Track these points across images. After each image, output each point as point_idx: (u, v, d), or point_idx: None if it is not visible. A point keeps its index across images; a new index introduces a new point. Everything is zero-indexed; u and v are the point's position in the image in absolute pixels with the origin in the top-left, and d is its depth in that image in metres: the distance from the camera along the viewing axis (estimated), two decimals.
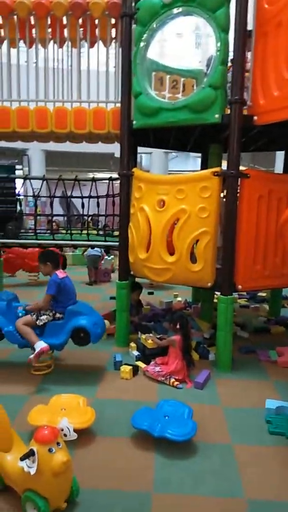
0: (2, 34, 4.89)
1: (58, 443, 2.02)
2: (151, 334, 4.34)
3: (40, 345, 3.54)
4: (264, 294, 7.23)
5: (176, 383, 3.62)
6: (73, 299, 3.83)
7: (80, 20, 4.62)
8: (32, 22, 4.62)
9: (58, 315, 3.73)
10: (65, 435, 2.14)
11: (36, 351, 3.52)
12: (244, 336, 5.02)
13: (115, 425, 2.96)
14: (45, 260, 3.86)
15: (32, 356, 3.53)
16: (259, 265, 4.02)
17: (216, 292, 4.28)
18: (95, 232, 6.37)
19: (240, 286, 3.95)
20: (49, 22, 4.63)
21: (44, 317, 3.68)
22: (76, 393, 3.13)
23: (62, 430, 2.14)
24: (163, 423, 2.73)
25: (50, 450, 1.97)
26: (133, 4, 4.13)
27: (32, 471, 1.93)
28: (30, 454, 1.97)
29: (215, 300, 5.19)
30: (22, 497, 2.06)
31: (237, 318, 5.54)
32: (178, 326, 3.82)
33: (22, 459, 1.99)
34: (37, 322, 3.65)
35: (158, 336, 4.23)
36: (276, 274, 4.18)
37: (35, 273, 8.36)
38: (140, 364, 3.97)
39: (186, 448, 2.67)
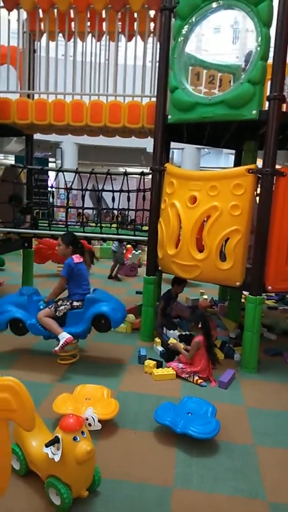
0: (42, 27, 4.95)
1: (82, 432, 2.05)
2: (177, 334, 4.32)
3: (65, 336, 3.59)
4: None
5: (200, 381, 3.60)
6: (85, 285, 3.84)
7: (119, 14, 4.62)
8: (72, 15, 4.65)
9: (75, 303, 3.76)
10: (89, 424, 2.17)
11: (60, 342, 3.58)
12: (271, 338, 4.94)
13: (137, 418, 2.98)
14: (68, 242, 3.86)
15: (57, 348, 3.59)
16: None
17: (244, 292, 4.22)
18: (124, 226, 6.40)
19: (270, 287, 3.88)
20: (88, 15, 4.66)
21: (62, 307, 3.71)
22: (100, 384, 3.17)
23: (87, 419, 2.17)
24: (186, 419, 2.72)
25: (74, 439, 2.00)
26: None
27: (57, 458, 1.96)
28: (55, 441, 2.00)
29: (242, 300, 5.13)
30: (45, 483, 2.10)
31: (265, 320, 5.45)
32: (199, 326, 3.79)
33: (47, 445, 2.02)
34: (57, 314, 3.68)
35: (184, 347, 4.11)
36: None
37: (62, 265, 8.48)
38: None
39: (208, 446, 2.66)
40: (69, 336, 3.59)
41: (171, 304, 4.95)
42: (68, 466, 1.99)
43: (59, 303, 3.76)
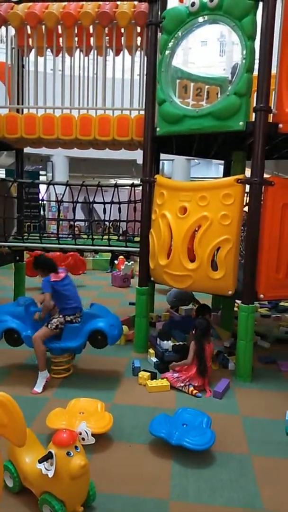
0: (30, 43, 5.01)
1: (76, 447, 2.03)
2: (170, 345, 4.31)
3: (45, 375, 3.63)
4: (286, 304, 7.11)
5: (195, 391, 3.59)
6: (73, 302, 3.76)
7: (106, 29, 4.69)
8: (60, 31, 4.71)
9: (68, 317, 3.71)
10: (83, 439, 2.15)
11: (39, 380, 3.59)
12: (265, 346, 4.94)
13: (132, 431, 2.95)
14: (36, 267, 3.90)
15: (37, 389, 3.56)
16: (282, 274, 3.96)
17: (237, 301, 4.23)
18: (115, 237, 6.41)
19: (262, 295, 3.90)
20: (76, 31, 4.72)
21: (54, 320, 3.67)
22: (94, 398, 3.14)
23: (81, 434, 2.16)
24: (181, 431, 2.70)
25: (68, 454, 1.99)
26: (159, 12, 4.17)
27: (50, 474, 1.94)
28: (48, 457, 1.98)
29: (236, 309, 5.14)
30: (39, 500, 2.07)
31: (258, 328, 5.46)
32: (193, 332, 3.80)
33: (40, 461, 2.00)
34: (49, 326, 3.64)
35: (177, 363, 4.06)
36: None
37: None
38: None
39: (204, 457, 2.64)
40: (48, 375, 3.65)
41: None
42: (62, 482, 1.97)
43: (52, 317, 3.74)
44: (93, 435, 2.22)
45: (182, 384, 3.65)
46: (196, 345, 3.72)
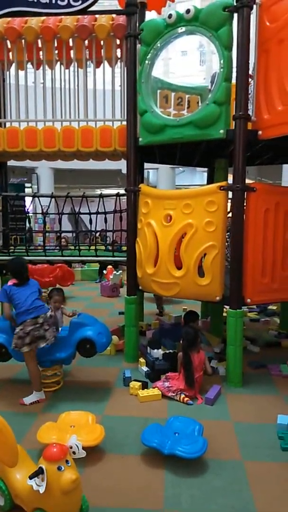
0: (11, 57, 5.03)
1: (67, 461, 2.01)
2: (161, 353, 4.30)
3: (40, 396, 3.59)
4: (274, 308, 7.17)
5: (186, 399, 3.58)
6: (23, 306, 3.50)
7: (86, 42, 4.74)
8: (40, 45, 4.75)
9: (28, 325, 3.47)
10: (74, 452, 2.13)
11: (31, 398, 3.56)
12: (255, 350, 4.97)
13: (124, 442, 2.94)
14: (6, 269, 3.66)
15: (26, 399, 3.54)
16: (268, 278, 4.00)
17: (225, 306, 4.26)
18: (103, 247, 6.41)
19: (248, 300, 3.93)
20: (55, 44, 4.76)
21: (17, 329, 3.48)
22: (85, 410, 3.12)
23: (71, 447, 2.13)
24: (173, 440, 2.70)
25: (59, 468, 1.96)
26: (137, 24, 4.23)
27: (41, 490, 1.91)
28: (39, 472, 1.96)
29: (225, 314, 5.17)
30: None
31: (247, 332, 5.50)
32: (181, 342, 3.80)
33: (31, 477, 1.97)
34: (14, 345, 3.46)
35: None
36: (285, 287, 4.14)
37: (44, 289, 8.39)
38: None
39: (197, 465, 2.64)
40: (43, 398, 3.60)
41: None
42: (53, 497, 1.95)
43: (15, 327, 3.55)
44: (84, 448, 2.19)
45: (173, 394, 3.64)
46: (183, 356, 3.73)
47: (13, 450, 1.74)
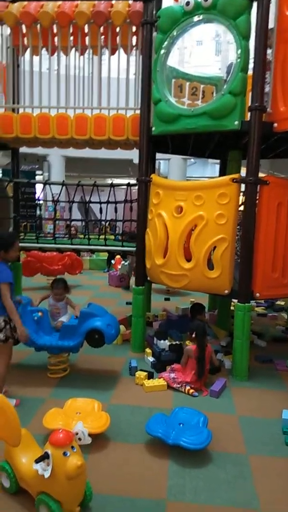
0: (26, 42, 4.99)
1: (72, 447, 2.03)
2: (167, 344, 4.31)
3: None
4: (282, 303, 7.13)
5: (191, 391, 3.59)
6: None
7: (102, 28, 4.68)
8: (55, 30, 4.70)
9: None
10: (79, 439, 2.15)
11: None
12: (261, 345, 4.95)
13: (129, 431, 2.95)
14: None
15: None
16: (278, 273, 3.97)
17: (233, 300, 4.25)
18: (112, 237, 6.40)
19: (258, 294, 3.91)
20: (71, 30, 4.71)
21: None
22: (91, 398, 3.14)
23: (77, 434, 2.16)
24: (178, 430, 2.71)
25: (64, 454, 1.98)
26: (154, 12, 4.17)
27: (46, 474, 1.94)
28: (44, 457, 1.98)
29: (232, 308, 5.15)
30: (36, 500, 2.07)
31: (255, 327, 5.48)
32: (194, 335, 3.79)
33: (36, 461, 2.00)
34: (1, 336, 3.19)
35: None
36: None
37: (53, 277, 8.44)
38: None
39: (201, 457, 2.65)
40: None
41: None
42: (58, 482, 1.97)
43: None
44: (89, 435, 2.22)
45: (178, 385, 3.65)
46: (198, 348, 3.71)
47: (15, 429, 1.76)
